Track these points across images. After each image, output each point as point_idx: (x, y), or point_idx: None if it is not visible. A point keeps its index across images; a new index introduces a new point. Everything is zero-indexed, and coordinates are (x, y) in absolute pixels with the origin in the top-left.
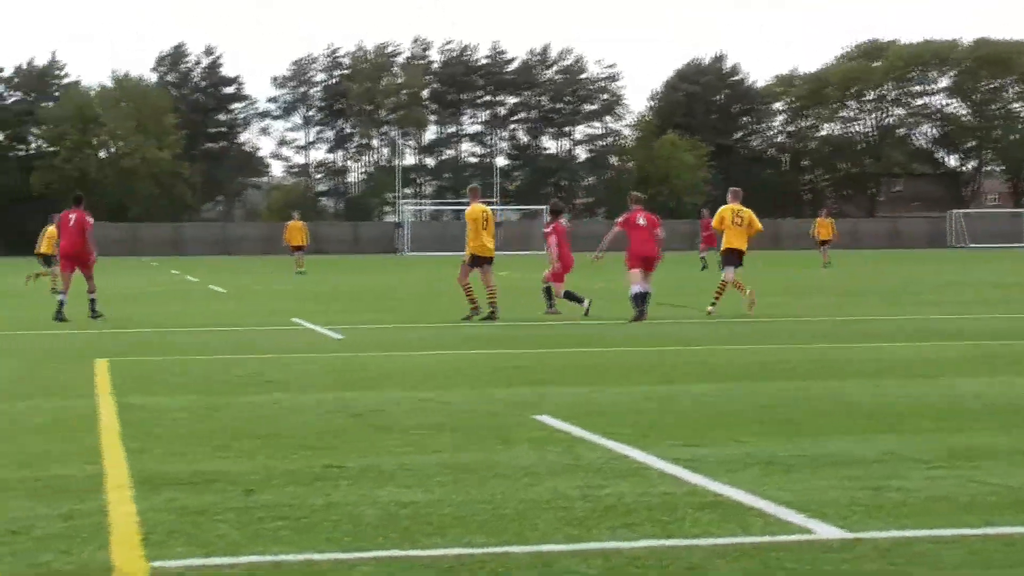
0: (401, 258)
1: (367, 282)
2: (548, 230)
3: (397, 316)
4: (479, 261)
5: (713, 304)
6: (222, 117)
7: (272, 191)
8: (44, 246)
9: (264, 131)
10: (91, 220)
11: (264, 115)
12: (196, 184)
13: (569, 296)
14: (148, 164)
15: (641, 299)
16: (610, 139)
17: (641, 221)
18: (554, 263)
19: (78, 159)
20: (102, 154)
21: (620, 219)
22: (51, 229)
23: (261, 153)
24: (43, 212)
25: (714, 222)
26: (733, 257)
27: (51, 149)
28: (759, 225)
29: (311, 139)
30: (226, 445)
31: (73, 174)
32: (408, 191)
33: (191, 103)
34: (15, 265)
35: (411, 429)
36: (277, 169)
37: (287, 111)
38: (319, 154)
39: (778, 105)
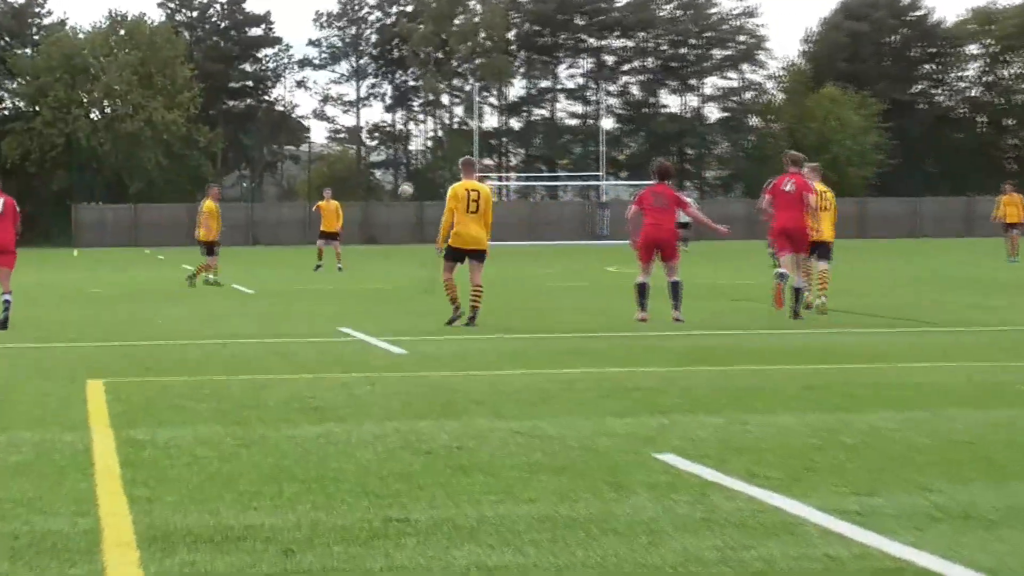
0: None
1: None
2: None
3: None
4: (458, 254)
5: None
6: (248, 68)
7: (313, 163)
8: None
9: (303, 85)
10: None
11: (303, 64)
12: (215, 154)
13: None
14: (154, 128)
15: (795, 295)
16: (750, 94)
17: (788, 187)
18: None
19: (64, 122)
20: (95, 115)
21: (768, 185)
22: None
23: (299, 114)
24: (19, 189)
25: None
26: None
27: (29, 109)
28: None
29: (363, 95)
30: (258, 492)
31: (57, 140)
32: (488, 162)
33: (208, 50)
34: None
35: (498, 471)
36: (319, 134)
37: (332, 59)
38: (373, 115)
39: (973, 49)
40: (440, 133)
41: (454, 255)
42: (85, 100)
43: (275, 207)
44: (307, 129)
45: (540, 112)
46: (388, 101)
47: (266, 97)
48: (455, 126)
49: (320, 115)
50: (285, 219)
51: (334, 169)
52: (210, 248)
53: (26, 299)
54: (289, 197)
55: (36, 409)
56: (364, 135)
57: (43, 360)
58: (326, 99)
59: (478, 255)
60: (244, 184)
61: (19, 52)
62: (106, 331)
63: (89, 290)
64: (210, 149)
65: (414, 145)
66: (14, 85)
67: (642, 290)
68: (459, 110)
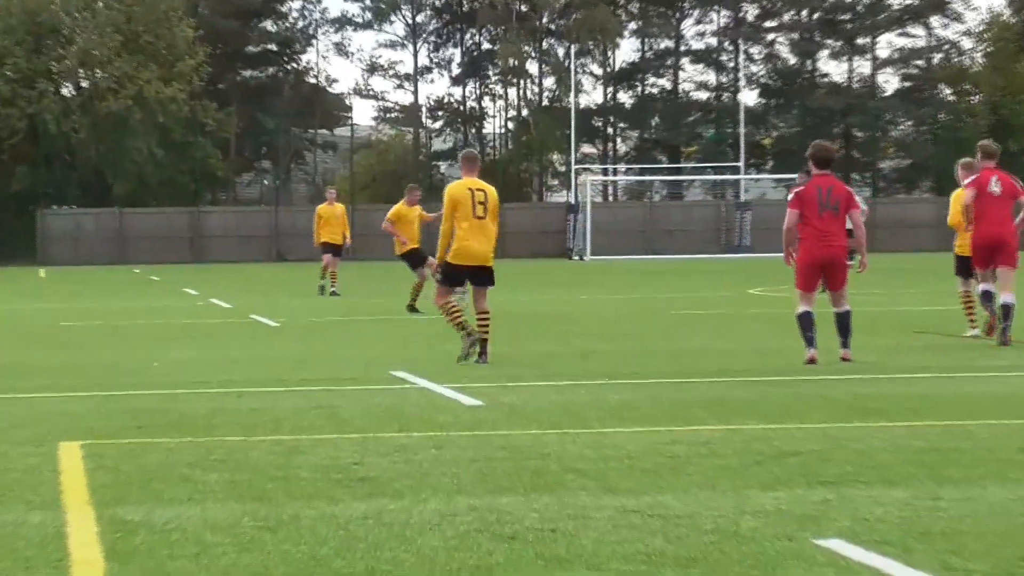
0: (577, 265)
1: (514, 309)
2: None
3: (567, 368)
4: (458, 275)
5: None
6: (270, 26)
7: (357, 152)
8: None
9: (341, 50)
10: None
11: (342, 23)
12: (226, 141)
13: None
14: (146, 108)
15: (1004, 312)
16: (938, 57)
17: (994, 188)
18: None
19: (27, 98)
20: (67, 91)
21: (968, 180)
22: None
23: (337, 88)
24: None
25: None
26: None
27: None
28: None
29: (421, 64)
30: None
31: (17, 124)
32: (589, 149)
33: (218, 2)
34: None
35: (605, 562)
36: (364, 115)
37: (379, 16)
38: (435, 89)
39: None
40: (524, 112)
41: (454, 276)
42: (54, 70)
43: (306, 212)
44: (348, 108)
45: (658, 83)
46: (455, 71)
47: (293, 65)
48: (544, 102)
49: (365, 90)
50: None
51: (384, 161)
52: (417, 260)
53: None
54: (324, 198)
55: None
56: (424, 116)
57: (1, 417)
58: (372, 68)
59: (485, 275)
60: (265, 182)
61: None
62: (85, 378)
63: (60, 323)
64: (220, 134)
65: (490, 127)
66: None
67: (807, 321)
68: (550, 82)
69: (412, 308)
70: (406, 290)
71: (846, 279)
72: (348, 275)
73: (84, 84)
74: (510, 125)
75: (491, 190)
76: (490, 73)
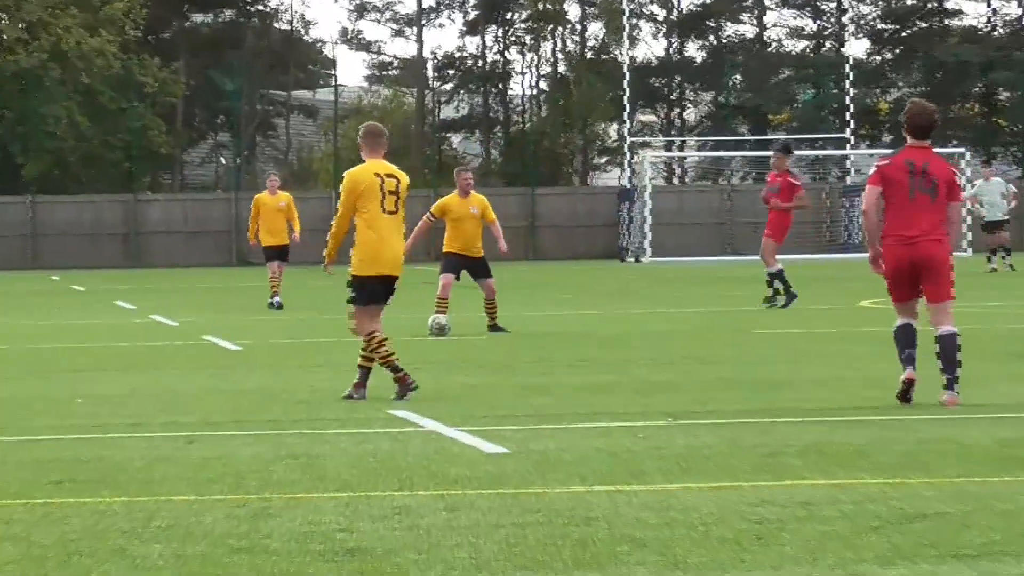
0: (632, 268)
1: (549, 327)
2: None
3: (619, 404)
4: (376, 289)
5: None
6: None
7: (343, 120)
8: None
9: None
10: None
11: None
12: (172, 107)
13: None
14: (66, 63)
15: None
16: None
17: None
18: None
19: None
20: None
21: None
22: None
23: (316, 36)
24: None
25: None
26: None
27: None
28: None
29: (426, 5)
30: None
31: None
32: (648, 117)
33: None
34: None
35: None
36: (352, 73)
37: None
38: (444, 39)
39: None
40: (562, 69)
41: (371, 292)
42: None
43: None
44: (331, 63)
45: (738, 31)
46: (469, 14)
47: (258, 7)
48: (588, 55)
49: (352, 38)
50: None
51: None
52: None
53: None
54: (302, 181)
55: None
56: (431, 74)
57: None
58: (362, 9)
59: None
60: (222, 160)
61: None
62: None
63: None
64: (163, 99)
65: (516, 89)
66: None
67: (906, 336)
68: (595, 28)
69: (495, 327)
70: (405, 302)
71: (951, 290)
72: (329, 283)
73: None
74: (543, 85)
75: (403, 177)
76: (515, 20)
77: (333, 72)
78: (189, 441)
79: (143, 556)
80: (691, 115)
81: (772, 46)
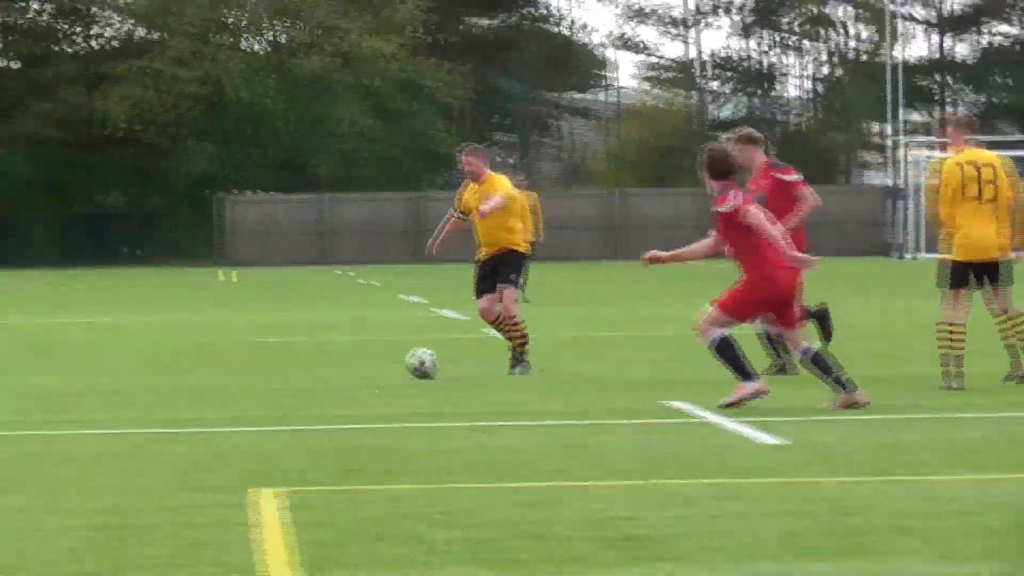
0: (901, 265)
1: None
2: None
3: (895, 397)
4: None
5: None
6: None
7: (619, 119)
8: None
9: None
10: None
11: None
12: (459, 108)
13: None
14: (354, 67)
15: None
16: None
17: None
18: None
19: (201, 55)
20: (247, 46)
21: None
22: None
23: (590, 39)
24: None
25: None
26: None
27: (144, 37)
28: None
29: (697, 7)
30: None
31: (190, 88)
32: (915, 116)
33: None
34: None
35: None
36: (625, 74)
37: None
38: (715, 40)
39: None
40: (830, 71)
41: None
42: (233, 21)
43: (557, 197)
44: (603, 64)
45: (1008, 32)
46: (737, 18)
47: (531, 9)
48: (861, 56)
49: (625, 42)
50: (574, 216)
51: (654, 131)
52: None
53: (141, 357)
54: (578, 179)
55: (172, 540)
56: (704, 75)
57: (183, 458)
58: (638, 14)
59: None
60: (510, 160)
61: None
62: (279, 407)
63: (248, 339)
64: (446, 100)
65: (790, 89)
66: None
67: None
68: (860, 29)
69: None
70: (692, 293)
71: None
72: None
73: (272, 37)
74: (811, 86)
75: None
76: (781, 21)
77: (607, 73)
78: (483, 431)
79: (437, 541)
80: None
81: None
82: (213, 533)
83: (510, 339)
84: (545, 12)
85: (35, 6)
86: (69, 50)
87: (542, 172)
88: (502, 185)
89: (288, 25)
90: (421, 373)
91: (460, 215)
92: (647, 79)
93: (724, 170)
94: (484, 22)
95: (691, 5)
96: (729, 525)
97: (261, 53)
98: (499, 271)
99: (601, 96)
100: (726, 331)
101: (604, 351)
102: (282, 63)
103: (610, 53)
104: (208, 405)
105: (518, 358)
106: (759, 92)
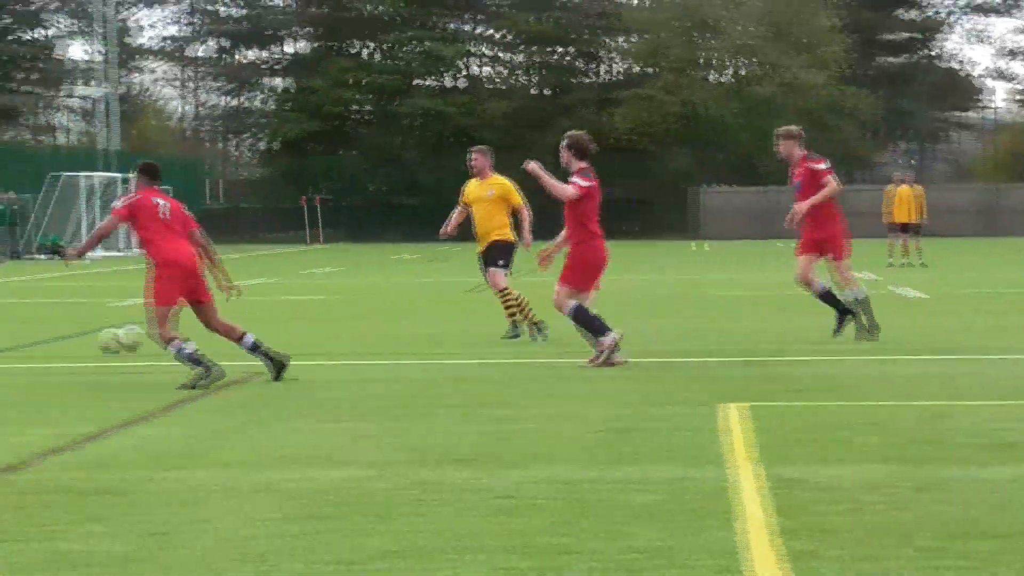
0: None
1: None
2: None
3: None
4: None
5: None
6: (905, 15)
7: (995, 133)
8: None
9: (979, 37)
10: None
11: (976, 9)
12: (874, 123)
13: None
14: (793, 92)
15: None
16: None
17: None
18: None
19: (682, 85)
20: (714, 77)
21: None
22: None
23: (974, 72)
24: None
25: None
26: None
27: (641, 72)
28: None
29: None
30: (942, 548)
31: (674, 108)
32: None
33: None
34: None
35: None
36: (1000, 97)
37: (1007, 3)
38: None
39: None
40: None
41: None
42: (703, 59)
43: (947, 190)
44: (978, 91)
45: None
46: None
47: (926, 51)
48: None
49: (999, 73)
50: (957, 204)
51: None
52: None
53: (623, 303)
54: (963, 177)
55: (665, 439)
56: None
57: (661, 379)
58: (1011, 52)
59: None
60: (912, 162)
61: (634, 3)
62: (735, 344)
63: (710, 292)
64: (862, 116)
65: None
66: (623, 42)
67: None
68: None
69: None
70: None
71: None
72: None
73: (732, 71)
74: None
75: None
76: None
77: (980, 98)
78: (880, 363)
79: (857, 444)
80: None
81: None
82: (692, 436)
83: (506, 307)
84: (939, 52)
85: (559, 49)
86: (586, 81)
87: (935, 171)
88: (501, 182)
89: (746, 62)
90: (115, 351)
91: (464, 206)
92: (1016, 101)
93: None
94: (892, 59)
95: None
96: None
97: (725, 82)
98: (490, 257)
99: (981, 114)
100: (575, 302)
101: (984, 304)
102: (740, 90)
103: (988, 82)
104: (683, 340)
105: (534, 324)
106: None
